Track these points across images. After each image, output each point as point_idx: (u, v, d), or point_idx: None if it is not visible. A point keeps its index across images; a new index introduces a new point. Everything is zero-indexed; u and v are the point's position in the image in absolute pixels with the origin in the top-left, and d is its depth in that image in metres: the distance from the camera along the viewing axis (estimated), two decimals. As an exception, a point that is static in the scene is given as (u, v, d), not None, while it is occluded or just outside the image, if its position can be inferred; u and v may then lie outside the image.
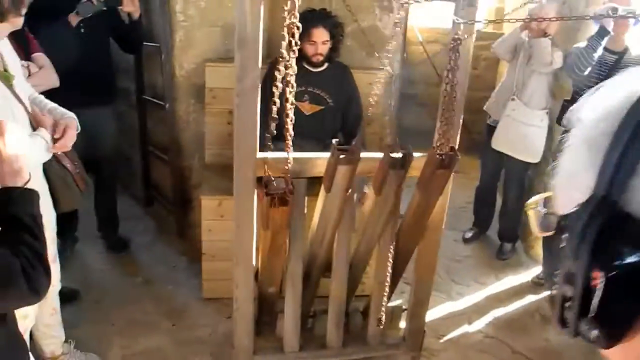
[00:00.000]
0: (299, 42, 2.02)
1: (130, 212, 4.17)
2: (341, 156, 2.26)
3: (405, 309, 2.98)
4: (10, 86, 2.01)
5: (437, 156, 2.29)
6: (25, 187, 1.30)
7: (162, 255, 3.74)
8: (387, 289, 2.70)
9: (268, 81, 2.48)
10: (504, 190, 4.00)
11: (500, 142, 3.74)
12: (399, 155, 2.32)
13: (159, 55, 3.50)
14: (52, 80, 2.78)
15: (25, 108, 2.08)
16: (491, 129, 3.86)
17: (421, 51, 5.81)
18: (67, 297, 2.84)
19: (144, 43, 3.52)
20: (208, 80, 3.33)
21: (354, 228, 2.58)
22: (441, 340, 3.14)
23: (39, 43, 2.85)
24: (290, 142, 2.17)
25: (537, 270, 3.81)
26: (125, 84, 3.92)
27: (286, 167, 2.19)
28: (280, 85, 2.01)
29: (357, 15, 3.42)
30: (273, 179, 2.20)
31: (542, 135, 3.68)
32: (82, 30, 3.13)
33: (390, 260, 2.53)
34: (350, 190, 2.38)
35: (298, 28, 1.98)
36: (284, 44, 1.98)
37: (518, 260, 4.03)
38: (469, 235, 4.23)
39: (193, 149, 3.59)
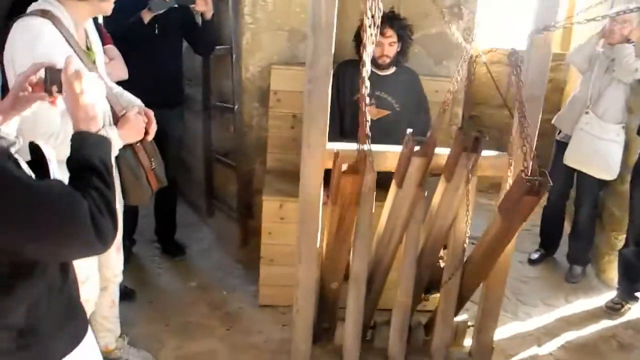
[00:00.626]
0: (374, 40, 1.96)
1: (189, 221, 4.16)
2: (416, 147, 2.16)
3: (471, 325, 2.80)
4: (93, 63, 2.02)
5: (526, 181, 2.08)
6: (99, 133, 1.26)
7: (219, 262, 3.68)
8: (455, 298, 2.55)
9: (334, 82, 2.43)
10: (576, 209, 3.78)
11: (572, 158, 3.55)
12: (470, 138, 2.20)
13: (225, 59, 3.49)
14: (122, 72, 2.81)
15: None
16: (561, 145, 3.68)
17: (484, 71, 5.66)
18: (123, 295, 2.79)
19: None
20: (273, 83, 3.30)
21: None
22: (509, 361, 2.94)
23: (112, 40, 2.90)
24: (365, 134, 2.09)
25: (610, 295, 3.56)
26: (188, 91, 3.94)
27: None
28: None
29: (425, 21, 3.38)
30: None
31: (619, 150, 3.47)
32: (157, 31, 3.16)
33: (463, 257, 2.38)
34: (422, 186, 2.26)
35: (376, 26, 1.91)
36: (364, 36, 1.92)
37: (589, 284, 3.78)
38: (535, 256, 4.01)
39: (255, 154, 3.54)
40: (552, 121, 3.78)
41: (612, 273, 3.71)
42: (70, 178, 1.20)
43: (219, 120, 3.81)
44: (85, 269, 2.12)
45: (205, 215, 4.10)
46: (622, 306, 3.45)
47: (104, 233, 1.14)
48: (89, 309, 2.21)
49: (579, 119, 3.52)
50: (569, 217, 4.01)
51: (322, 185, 2.27)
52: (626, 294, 3.47)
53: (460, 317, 2.89)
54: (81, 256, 1.22)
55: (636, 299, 3.48)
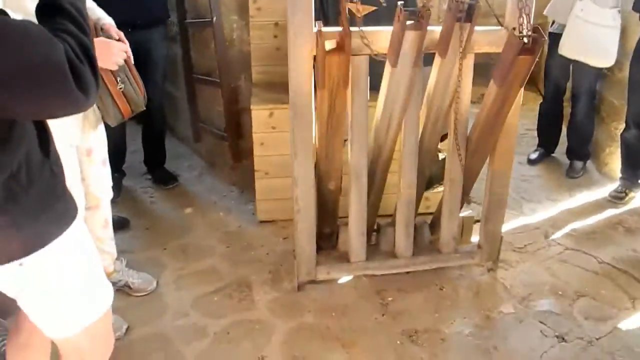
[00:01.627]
0: None
1: (179, 151, 4.03)
2: (409, 22, 2.02)
3: (477, 221, 2.73)
4: None
5: (519, 39, 1.99)
6: None
7: (212, 186, 3.57)
8: (459, 191, 2.47)
9: None
10: (573, 102, 3.68)
11: (568, 47, 3.41)
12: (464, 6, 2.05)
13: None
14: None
15: None
16: (555, 37, 3.53)
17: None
18: (117, 224, 2.69)
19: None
20: (252, -10, 3.12)
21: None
22: (518, 253, 2.87)
23: None
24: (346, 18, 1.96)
25: (613, 187, 3.49)
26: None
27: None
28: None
29: None
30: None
31: (616, 36, 3.33)
32: None
33: (463, 143, 2.28)
34: (418, 64, 2.13)
35: None
36: None
37: (590, 179, 3.71)
38: (534, 156, 3.93)
39: (239, 69, 3.38)
40: (544, 12, 3.62)
41: (615, 165, 3.64)
42: (42, 24, 1.05)
43: (198, 38, 3.63)
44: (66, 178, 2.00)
45: (193, 142, 3.96)
46: (626, 194, 3.39)
47: (84, 81, 1.01)
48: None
49: (573, 6, 3.36)
50: (566, 116, 3.91)
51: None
52: (629, 182, 3.40)
53: (466, 213, 2.81)
54: (63, 110, 1.07)
55: (640, 187, 3.42)
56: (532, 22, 1.99)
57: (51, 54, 0.96)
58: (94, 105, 2.07)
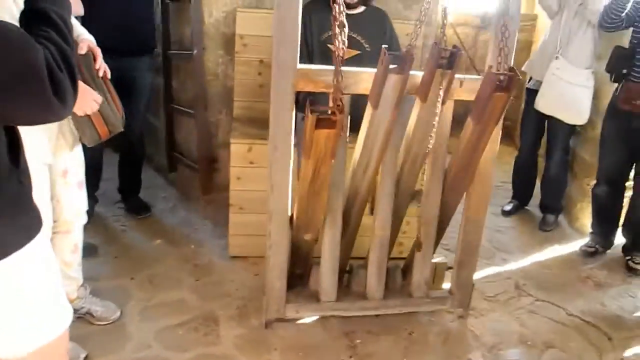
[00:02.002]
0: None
1: (154, 182, 3.99)
2: (391, 66, 2.06)
3: (450, 267, 2.73)
4: None
5: (495, 76, 2.06)
6: None
7: (186, 218, 3.52)
8: (434, 233, 2.47)
9: (302, 22, 2.31)
10: (547, 157, 3.76)
11: (544, 103, 3.51)
12: (447, 53, 2.11)
13: (185, 4, 3.34)
14: (77, 6, 2.63)
15: None
16: (531, 93, 3.65)
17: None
18: (85, 251, 2.62)
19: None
20: (239, 27, 3.16)
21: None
22: (489, 301, 2.87)
23: None
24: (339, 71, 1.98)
25: (583, 241, 3.54)
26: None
27: (334, 81, 1.97)
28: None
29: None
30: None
31: (589, 95, 3.46)
32: None
33: (440, 186, 2.30)
34: (399, 107, 2.17)
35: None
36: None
37: (562, 233, 3.76)
38: (508, 207, 3.98)
39: (221, 103, 3.40)
40: (523, 67, 3.73)
41: (586, 220, 3.70)
42: (25, 30, 1.05)
43: (183, 70, 3.65)
44: (36, 197, 1.95)
45: (167, 172, 3.93)
46: (596, 250, 3.43)
47: (62, 90, 1.01)
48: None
49: (550, 64, 3.48)
50: (540, 170, 3.99)
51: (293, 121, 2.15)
52: (599, 237, 3.45)
53: (438, 259, 2.81)
54: (37, 117, 1.06)
55: (610, 243, 3.47)
56: (510, 62, 2.04)
57: (30, 58, 0.96)
58: (71, 125, 2.06)
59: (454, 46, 2.14)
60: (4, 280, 1.18)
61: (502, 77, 2.04)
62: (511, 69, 2.08)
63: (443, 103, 2.20)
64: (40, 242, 1.25)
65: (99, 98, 2.00)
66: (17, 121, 1.11)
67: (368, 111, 2.16)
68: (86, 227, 2.39)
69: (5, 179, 1.14)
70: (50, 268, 1.32)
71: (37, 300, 1.27)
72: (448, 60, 2.13)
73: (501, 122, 2.25)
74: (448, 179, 2.40)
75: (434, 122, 2.19)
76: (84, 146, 2.23)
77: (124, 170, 3.54)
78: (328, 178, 2.15)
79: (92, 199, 3.34)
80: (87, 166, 2.29)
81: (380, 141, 2.19)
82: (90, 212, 3.30)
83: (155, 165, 4.19)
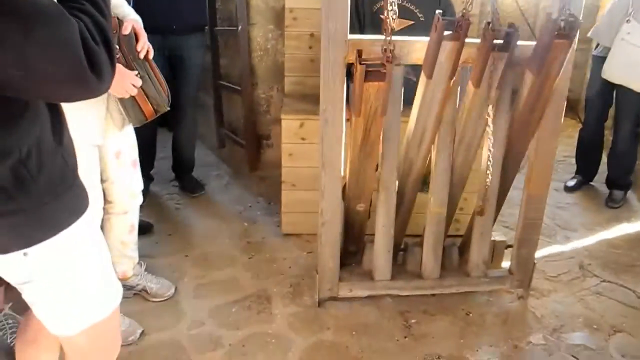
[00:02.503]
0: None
1: (205, 160, 4.01)
2: (446, 32, 1.95)
3: (510, 246, 2.61)
4: None
5: (554, 22, 1.91)
6: None
7: (239, 196, 3.52)
8: (494, 206, 2.36)
9: None
10: (615, 129, 3.54)
11: (612, 71, 3.28)
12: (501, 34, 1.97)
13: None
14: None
15: None
16: (598, 60, 3.42)
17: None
18: (140, 229, 2.64)
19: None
20: (288, 0, 3.09)
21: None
22: (550, 281, 2.74)
23: None
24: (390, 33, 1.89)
25: (655, 219, 3.34)
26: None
27: (383, 49, 1.88)
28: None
29: None
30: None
31: (664, 62, 3.21)
32: None
33: (495, 164, 2.17)
34: (454, 79, 2.05)
35: None
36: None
37: (631, 209, 3.55)
38: (572, 183, 3.79)
39: (272, 79, 3.35)
40: (589, 34, 3.51)
41: (657, 196, 3.49)
42: (59, 2, 1.01)
43: (232, 46, 3.61)
44: (86, 178, 1.96)
45: (217, 149, 3.93)
46: (669, 228, 3.23)
47: (98, 63, 0.96)
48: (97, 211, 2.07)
49: (620, 29, 3.24)
50: (607, 145, 3.77)
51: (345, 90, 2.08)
52: (673, 215, 3.24)
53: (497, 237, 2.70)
54: (74, 92, 1.01)
55: (684, 220, 3.25)
56: (569, 6, 1.89)
57: (64, 31, 0.92)
58: (119, 106, 2.05)
59: (510, 25, 2.00)
60: (50, 260, 1.17)
61: (562, 23, 1.90)
62: (571, 14, 1.93)
63: (498, 88, 2.07)
64: (87, 220, 1.24)
65: (138, 81, 1.97)
66: (54, 97, 1.07)
67: (422, 81, 2.06)
68: (141, 206, 2.41)
69: (49, 158, 1.12)
70: (98, 247, 1.31)
71: (86, 279, 1.27)
72: (504, 41, 1.99)
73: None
74: (507, 140, 2.26)
75: (488, 110, 2.06)
76: (138, 127, 2.24)
77: (177, 150, 3.55)
78: (380, 139, 2.08)
79: (148, 178, 3.39)
80: (141, 146, 2.29)
81: (435, 112, 2.09)
82: (145, 192, 3.36)
83: (207, 144, 4.20)
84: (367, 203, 2.33)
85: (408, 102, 2.16)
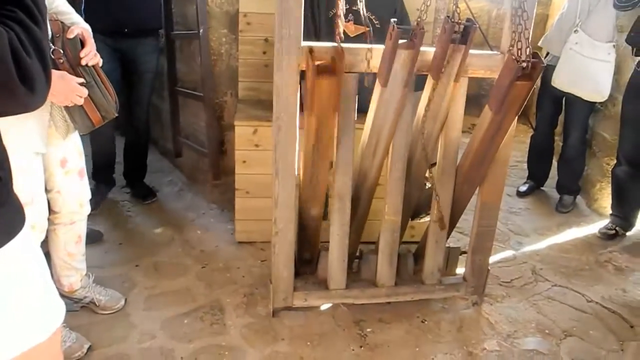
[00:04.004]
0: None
1: (159, 166, 3.91)
2: (401, 40, 1.94)
3: (464, 252, 2.63)
4: None
5: (517, 62, 1.92)
6: None
7: (192, 203, 3.45)
8: (448, 214, 2.37)
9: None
10: (564, 136, 3.62)
11: (561, 80, 3.36)
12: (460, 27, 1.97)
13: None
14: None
15: None
16: (548, 69, 3.49)
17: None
18: (89, 238, 2.55)
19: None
20: (242, 5, 3.03)
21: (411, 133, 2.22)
22: (504, 287, 2.77)
23: None
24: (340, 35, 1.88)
25: (603, 222, 3.42)
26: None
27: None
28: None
29: None
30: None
31: (610, 70, 3.30)
32: None
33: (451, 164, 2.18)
34: (409, 85, 2.05)
35: None
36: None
37: (580, 214, 3.64)
38: (524, 188, 3.86)
39: (226, 85, 3.29)
40: (539, 43, 3.59)
41: (605, 201, 3.58)
42: None
43: (186, 51, 3.54)
44: (28, 187, 1.87)
45: (173, 156, 3.84)
46: (617, 232, 3.31)
47: (30, 76, 0.89)
48: (36, 237, 1.97)
49: (568, 39, 3.33)
50: (557, 150, 3.85)
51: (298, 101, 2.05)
52: (619, 219, 3.33)
53: (451, 244, 2.71)
54: (4, 108, 0.93)
55: (631, 225, 3.34)
56: (530, 46, 1.91)
57: None
58: (64, 113, 1.96)
59: (468, 20, 2.01)
60: None
61: (524, 64, 1.91)
62: (534, 54, 1.94)
63: (456, 81, 2.08)
64: (24, 238, 1.16)
65: (84, 92, 1.89)
66: None
67: (377, 89, 2.05)
68: (93, 213, 2.32)
69: None
70: (37, 264, 1.23)
71: (24, 299, 1.18)
72: (462, 34, 2.00)
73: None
74: (462, 170, 2.29)
75: (447, 102, 2.08)
76: (96, 132, 2.15)
77: (128, 156, 3.46)
78: (333, 140, 2.05)
79: (108, 183, 3.31)
80: (99, 152, 2.19)
81: (390, 121, 2.08)
82: (102, 198, 3.26)
83: (160, 149, 4.11)
84: (320, 207, 2.30)
85: (363, 109, 2.15)
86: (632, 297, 2.75)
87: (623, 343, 2.42)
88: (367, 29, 2.92)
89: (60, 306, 1.32)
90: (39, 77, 0.91)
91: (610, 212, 3.39)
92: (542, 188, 3.91)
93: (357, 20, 2.92)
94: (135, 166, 3.47)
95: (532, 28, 2.08)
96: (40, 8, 0.97)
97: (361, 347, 2.29)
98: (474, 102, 3.82)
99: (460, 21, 1.98)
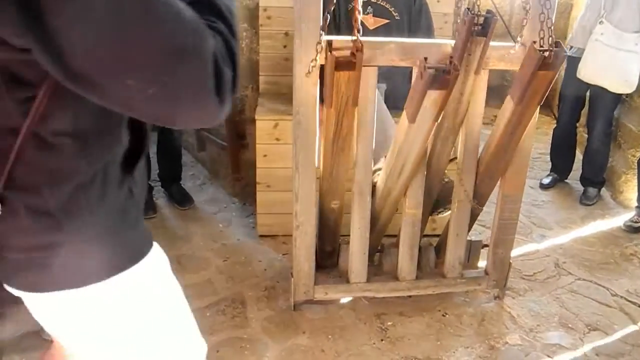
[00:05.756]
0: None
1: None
2: (432, 72, 1.86)
3: (486, 245, 2.61)
4: None
5: (539, 52, 1.89)
6: None
7: (214, 197, 3.47)
8: (469, 207, 2.35)
9: None
10: (589, 128, 3.56)
11: (587, 71, 3.30)
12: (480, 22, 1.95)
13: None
14: None
15: None
16: (572, 60, 3.43)
17: None
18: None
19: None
20: (262, -1, 3.05)
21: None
22: (526, 280, 2.75)
23: None
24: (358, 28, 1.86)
25: (628, 215, 3.36)
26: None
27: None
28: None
29: None
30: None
31: (637, 61, 3.23)
32: None
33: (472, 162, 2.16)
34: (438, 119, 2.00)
35: None
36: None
37: (605, 206, 3.58)
38: (547, 181, 3.81)
39: (247, 79, 3.30)
40: (567, 41, 3.54)
41: (630, 193, 3.52)
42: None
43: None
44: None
45: (196, 151, 3.87)
46: (642, 225, 3.26)
47: (223, 85, 0.81)
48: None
49: (593, 30, 3.27)
50: (580, 142, 3.80)
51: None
52: (646, 212, 3.28)
53: (473, 237, 2.70)
54: (191, 116, 0.83)
55: (657, 217, 3.29)
56: (553, 35, 1.88)
57: (200, 46, 0.77)
58: None
59: (488, 11, 1.99)
60: (96, 308, 0.99)
61: (547, 54, 1.88)
62: (557, 43, 1.91)
63: (477, 73, 2.06)
64: (150, 264, 1.05)
65: None
66: (164, 118, 0.85)
67: (404, 122, 2.02)
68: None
69: (114, 186, 0.95)
70: (170, 295, 1.13)
71: (149, 336, 1.07)
72: (482, 26, 1.98)
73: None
74: (483, 162, 2.27)
75: (467, 95, 2.06)
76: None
77: (164, 156, 3.37)
78: (353, 132, 2.05)
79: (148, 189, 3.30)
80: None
81: (416, 152, 2.06)
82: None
83: (183, 143, 4.13)
84: (341, 200, 2.30)
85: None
86: (658, 291, 2.71)
87: (648, 338, 2.39)
88: (387, 20, 2.93)
89: (200, 345, 1.23)
90: (230, 87, 0.83)
91: (636, 204, 3.34)
92: (565, 181, 3.85)
93: (377, 13, 2.92)
94: (171, 168, 3.42)
95: (554, 17, 2.05)
96: (235, 20, 0.92)
97: (382, 340, 2.29)
98: (496, 94, 3.78)
99: (480, 13, 1.96)
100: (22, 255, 0.92)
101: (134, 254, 1.01)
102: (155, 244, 1.08)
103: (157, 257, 1.08)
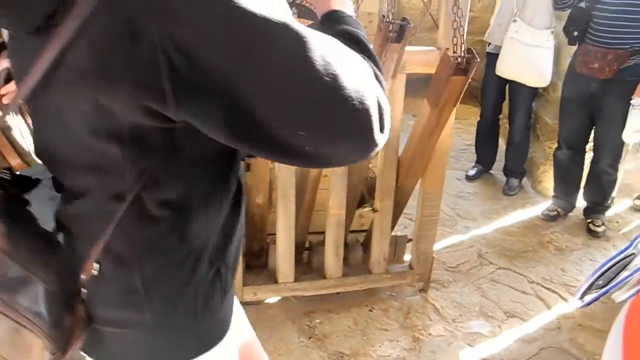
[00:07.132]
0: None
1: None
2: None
3: (410, 239, 2.70)
4: None
5: (452, 59, 1.98)
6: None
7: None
8: (391, 205, 2.43)
9: None
10: (510, 121, 3.72)
11: (504, 68, 3.45)
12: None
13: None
14: None
15: None
16: (491, 57, 3.58)
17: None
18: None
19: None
20: None
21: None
22: (450, 272, 2.87)
23: None
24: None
25: (546, 204, 3.55)
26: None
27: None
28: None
29: None
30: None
31: (550, 56, 3.40)
32: None
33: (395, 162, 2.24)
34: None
35: None
36: None
37: (525, 196, 3.76)
38: (472, 172, 3.96)
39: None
40: (484, 37, 3.67)
41: (548, 183, 3.70)
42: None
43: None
44: None
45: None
46: (558, 213, 3.44)
47: (384, 124, 0.73)
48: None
49: (508, 28, 3.41)
50: (503, 134, 3.97)
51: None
52: (561, 201, 3.46)
53: (399, 232, 2.79)
54: (353, 154, 0.75)
55: (572, 206, 3.47)
56: (465, 42, 1.97)
57: (364, 76, 0.73)
58: None
59: (403, 19, 2.06)
60: None
61: (459, 60, 1.97)
62: (468, 50, 2.00)
63: (393, 77, 2.13)
64: (223, 350, 0.98)
65: None
66: (326, 159, 0.75)
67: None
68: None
69: (205, 265, 0.89)
70: None
71: None
72: (397, 33, 2.05)
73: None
74: (404, 163, 2.35)
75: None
76: None
77: None
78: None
79: None
80: None
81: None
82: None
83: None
84: (265, 195, 2.35)
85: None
86: (570, 276, 2.88)
87: (560, 321, 2.54)
88: (311, 22, 2.96)
89: None
90: (388, 124, 0.75)
91: (553, 193, 3.52)
92: (490, 172, 4.01)
93: (301, 12, 2.95)
94: None
95: (466, 24, 2.14)
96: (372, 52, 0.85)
97: (310, 338, 2.35)
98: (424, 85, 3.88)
99: (394, 20, 2.03)
100: (109, 329, 0.88)
101: (203, 346, 0.95)
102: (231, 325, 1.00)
103: (228, 344, 1.00)
